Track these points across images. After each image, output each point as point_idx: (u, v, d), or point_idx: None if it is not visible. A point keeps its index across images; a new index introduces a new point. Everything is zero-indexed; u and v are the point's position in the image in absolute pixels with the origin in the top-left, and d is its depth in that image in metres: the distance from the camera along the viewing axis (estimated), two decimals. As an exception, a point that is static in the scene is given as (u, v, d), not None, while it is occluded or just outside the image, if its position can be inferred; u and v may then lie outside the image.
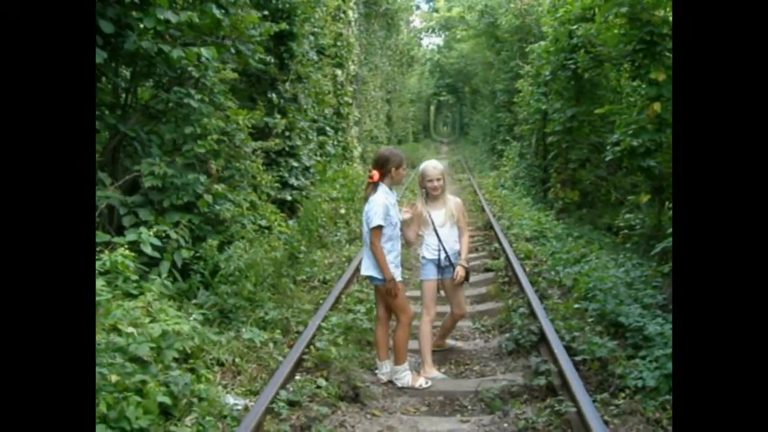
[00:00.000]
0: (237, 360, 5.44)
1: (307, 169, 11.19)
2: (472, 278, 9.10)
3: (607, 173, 13.27)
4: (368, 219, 5.10)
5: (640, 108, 8.91)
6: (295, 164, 10.50)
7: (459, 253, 5.68)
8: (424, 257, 5.65)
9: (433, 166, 5.55)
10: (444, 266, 5.63)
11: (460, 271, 5.57)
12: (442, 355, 6.18)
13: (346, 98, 16.35)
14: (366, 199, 5.18)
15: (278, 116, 9.86)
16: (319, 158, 12.65)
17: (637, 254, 8.76)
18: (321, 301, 7.26)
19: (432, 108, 73.86)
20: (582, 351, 5.39)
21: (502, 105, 26.68)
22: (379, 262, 5.11)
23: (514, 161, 20.06)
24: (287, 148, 10.31)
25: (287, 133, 10.30)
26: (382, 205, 5.03)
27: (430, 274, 5.63)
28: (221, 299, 6.20)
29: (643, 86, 8.80)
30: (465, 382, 5.50)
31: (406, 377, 5.37)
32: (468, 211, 16.06)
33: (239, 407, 4.73)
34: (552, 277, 8.24)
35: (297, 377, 5.28)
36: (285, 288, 7.30)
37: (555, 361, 5.24)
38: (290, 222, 9.45)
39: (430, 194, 5.58)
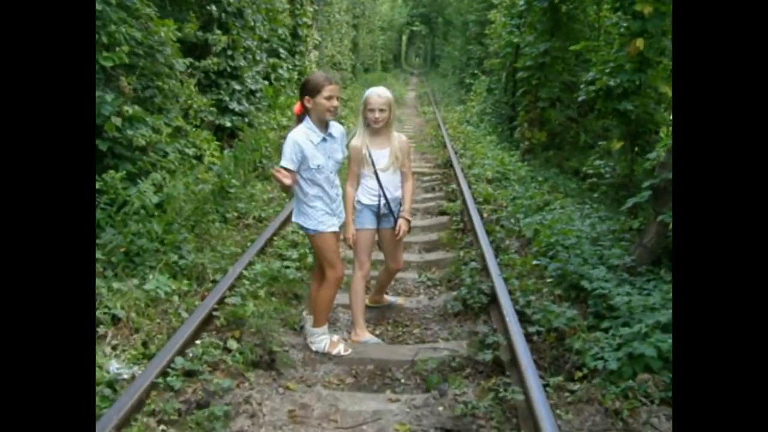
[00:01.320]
0: (134, 315, 4.60)
1: (252, 93, 10.14)
2: (424, 222, 8.35)
3: (578, 114, 12.47)
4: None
5: (621, 44, 8.05)
6: (238, 87, 9.44)
7: (400, 202, 4.86)
8: (360, 202, 4.81)
9: (377, 93, 4.65)
10: (383, 214, 4.81)
11: (402, 225, 4.76)
12: (379, 313, 5.43)
13: (304, 19, 15.12)
14: (287, 135, 4.31)
15: (219, 32, 8.76)
16: (268, 82, 11.56)
17: (605, 205, 8.04)
18: (249, 244, 6.42)
19: (404, 38, 72.19)
20: (537, 321, 4.66)
21: (474, 37, 25.57)
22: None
23: (482, 96, 19.13)
24: (229, 69, 9.25)
25: (229, 52, 9.21)
26: (291, 143, 4.17)
27: (366, 222, 4.81)
28: (126, 240, 5.31)
29: (626, 19, 7.91)
30: (401, 348, 4.75)
31: (322, 342, 4.61)
32: (429, 146, 15.32)
33: (124, 377, 3.93)
34: (511, 225, 7.49)
35: (203, 338, 4.47)
36: (209, 227, 6.42)
37: (505, 331, 4.51)
38: (227, 151, 8.48)
39: (372, 127, 4.71)
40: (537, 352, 4.39)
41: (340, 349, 4.61)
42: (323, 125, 4.31)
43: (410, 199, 4.84)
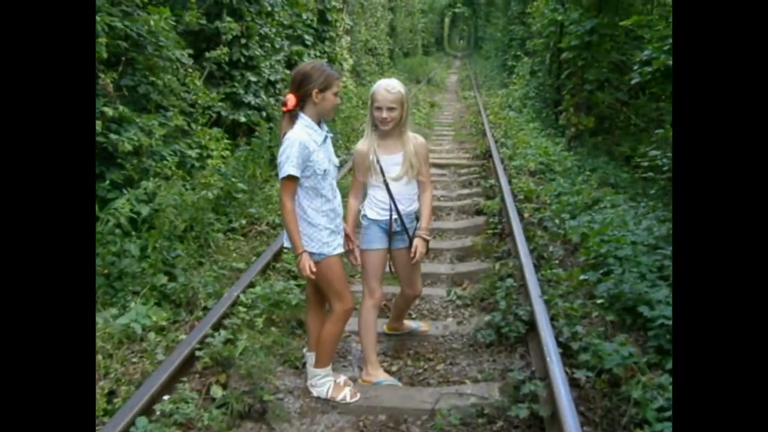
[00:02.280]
0: (100, 358, 3.90)
1: (271, 84, 9.37)
2: (458, 224, 7.50)
3: (629, 97, 11.40)
4: (279, 166, 3.46)
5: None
6: (253, 78, 8.68)
7: (417, 217, 4.04)
8: (366, 217, 4.01)
9: (386, 87, 3.82)
10: (395, 231, 4.00)
11: (419, 246, 3.93)
12: (399, 342, 4.63)
13: (333, 2, 14.28)
14: (281, 137, 3.51)
15: (229, 19, 8.00)
16: (288, 72, 10.78)
17: (662, 202, 7.06)
18: (255, 258, 5.67)
19: (447, 21, 70.91)
20: (585, 363, 3.79)
21: (516, 17, 24.41)
22: (287, 229, 3.52)
23: (525, 79, 18.04)
24: (243, 59, 8.49)
25: (243, 41, 8.46)
26: (297, 145, 3.38)
27: (375, 241, 4.00)
28: (104, 261, 4.61)
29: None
30: (420, 393, 3.92)
31: (324, 385, 3.83)
32: (468, 134, 14.35)
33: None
34: (555, 228, 6.60)
35: (180, 386, 3.73)
36: (210, 239, 5.69)
37: (545, 372, 3.67)
38: (241, 150, 7.73)
39: (380, 129, 3.90)
40: (585, 401, 3.56)
41: (346, 394, 3.83)
42: (318, 123, 3.56)
43: (429, 214, 4.01)
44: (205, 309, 4.66)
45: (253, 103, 8.62)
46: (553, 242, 6.33)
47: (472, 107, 18.69)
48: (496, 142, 11.76)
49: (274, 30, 9.44)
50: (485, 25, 46.63)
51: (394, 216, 3.94)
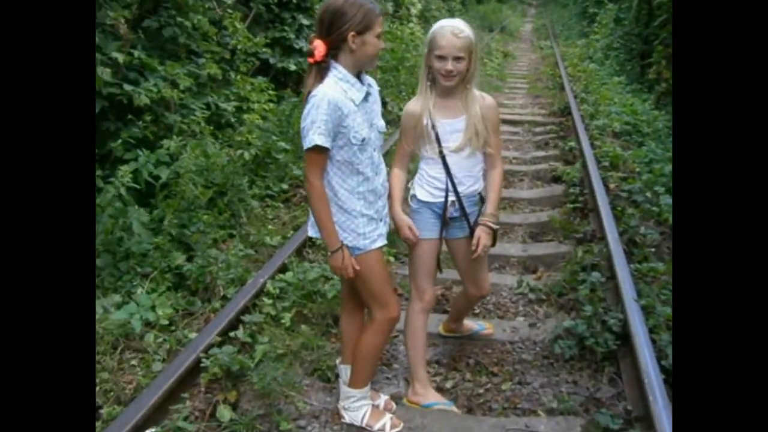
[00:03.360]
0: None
1: (327, 28, 8.44)
2: (532, 193, 6.52)
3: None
4: (302, 134, 2.60)
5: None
6: (306, 21, 7.75)
7: (481, 198, 3.15)
8: (416, 198, 3.13)
9: (452, 29, 2.88)
10: (453, 218, 3.10)
11: (482, 238, 3.03)
12: (457, 348, 3.78)
13: (402, -60, 13.12)
14: (305, 97, 2.64)
15: (279, -48, 7.08)
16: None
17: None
18: (292, 233, 4.87)
19: (522, -34, 67.89)
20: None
21: (600, -41, 22.60)
22: (317, 217, 2.68)
23: (608, 28, 16.53)
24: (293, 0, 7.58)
25: (295, -22, 7.54)
26: (326, 105, 2.51)
27: (426, 229, 3.11)
28: (107, 238, 3.87)
29: None
30: (479, 425, 3.06)
31: (360, 410, 3.02)
32: (544, 88, 13.10)
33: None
34: (647, 204, 5.58)
35: (180, 404, 2.98)
36: (241, 208, 4.90)
37: (646, 411, 2.78)
38: (286, 102, 6.87)
39: (440, 84, 2.98)
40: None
41: (386, 424, 3.01)
42: (356, 75, 2.68)
43: (497, 197, 3.10)
44: (225, 299, 3.89)
45: (305, 49, 7.72)
46: (646, 222, 5.33)
47: (549, 58, 17.33)
48: (575, 97, 10.59)
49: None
50: (564, -29, 44.21)
51: (451, 198, 3.05)
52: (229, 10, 6.00)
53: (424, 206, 3.10)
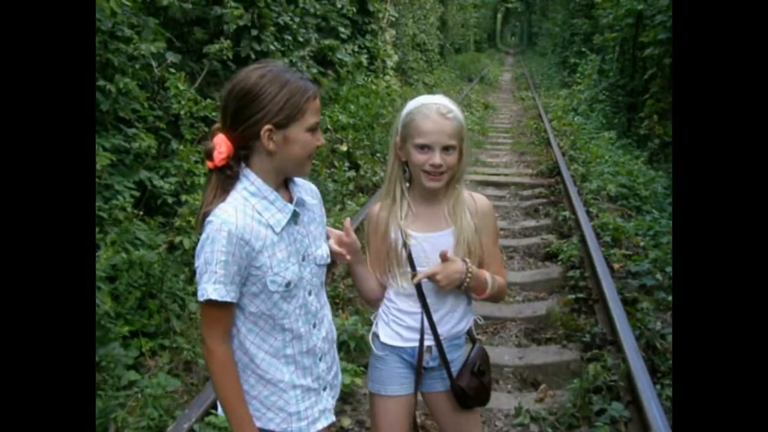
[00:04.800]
0: None
1: (292, 86, 7.63)
2: (525, 276, 5.66)
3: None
4: (197, 278, 1.73)
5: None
6: (267, 80, 6.95)
7: (472, 338, 2.28)
8: (378, 340, 2.24)
9: (437, 108, 2.04)
10: (430, 368, 2.21)
11: (443, 270, 2.05)
12: None
13: (376, -9, 12.50)
14: (200, 220, 1.75)
15: (234, 4, 6.25)
16: (320, 70, 9.01)
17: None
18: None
19: (499, 16, 68.77)
20: None
21: (579, 9, 22.29)
22: (220, 398, 1.82)
23: (591, 79, 15.97)
24: (253, 55, 6.75)
25: (254, 32, 6.72)
26: (226, 240, 1.66)
27: (392, 382, 2.20)
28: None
29: None
30: None
31: None
32: (529, 144, 12.34)
33: None
34: (660, 291, 4.78)
35: None
36: (172, 315, 3.97)
37: None
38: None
39: (419, 186, 2.12)
40: None
41: None
42: (281, 185, 1.82)
43: (496, 284, 2.19)
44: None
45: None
46: (660, 314, 4.50)
47: (531, 110, 16.74)
48: (563, 154, 9.87)
49: (297, 20, 7.69)
50: (540, 20, 44.46)
51: (428, 342, 2.16)
52: (172, 70, 5.15)
53: (390, 352, 2.20)
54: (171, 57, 5.33)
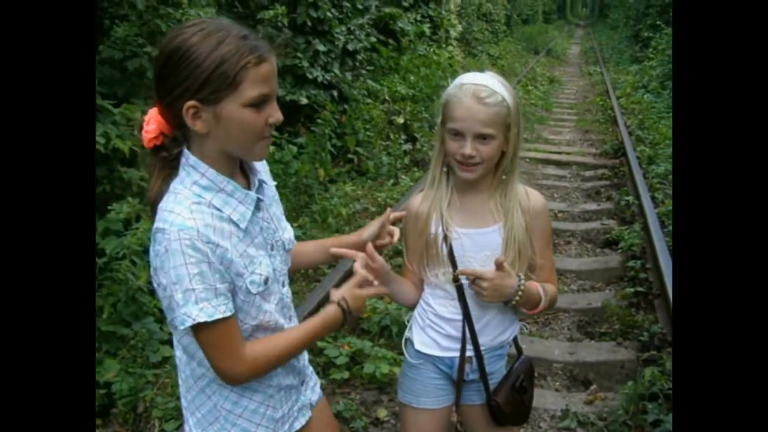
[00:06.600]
0: None
1: (349, 54, 7.41)
2: (581, 263, 5.39)
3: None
4: (163, 300, 1.46)
5: None
6: (322, 47, 6.74)
7: (518, 347, 2.08)
8: (413, 347, 2.03)
9: (474, 91, 1.79)
10: (471, 380, 2.01)
11: (486, 279, 1.83)
12: None
13: (442, -42, 12.13)
14: (152, 210, 1.50)
15: (290, -31, 6.08)
16: (377, 38, 8.76)
17: None
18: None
19: (571, -15, 66.87)
20: None
21: (656, -21, 21.32)
22: (293, 353, 1.61)
23: (665, 55, 15.25)
24: (309, 22, 6.56)
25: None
26: (192, 249, 1.37)
27: (430, 394, 2.02)
28: None
29: None
30: None
31: None
32: (594, 121, 11.89)
33: None
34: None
35: None
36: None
37: None
38: (285, 149, 5.85)
39: (457, 175, 1.90)
40: None
41: None
42: (236, 167, 1.54)
43: (548, 296, 1.95)
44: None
45: (320, 79, 6.71)
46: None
47: (598, 85, 16.13)
48: (630, 134, 9.42)
49: (358, -14, 7.47)
50: (614, -9, 42.93)
51: (469, 353, 1.96)
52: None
53: (426, 361, 2.01)
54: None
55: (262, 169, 1.64)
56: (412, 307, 2.07)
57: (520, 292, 1.85)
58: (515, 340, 2.05)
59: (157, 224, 1.40)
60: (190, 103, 1.37)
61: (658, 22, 17.75)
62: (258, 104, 1.40)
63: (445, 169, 1.94)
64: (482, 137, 1.80)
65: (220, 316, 1.40)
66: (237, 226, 1.47)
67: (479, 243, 1.90)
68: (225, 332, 1.44)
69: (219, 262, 1.41)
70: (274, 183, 1.71)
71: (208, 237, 1.39)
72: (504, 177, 1.92)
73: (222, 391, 1.57)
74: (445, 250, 1.92)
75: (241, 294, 1.48)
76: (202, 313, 1.38)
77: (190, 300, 1.37)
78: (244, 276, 1.47)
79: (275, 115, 1.44)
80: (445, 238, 1.91)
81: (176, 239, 1.36)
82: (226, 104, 1.38)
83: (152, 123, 1.45)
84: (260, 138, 1.45)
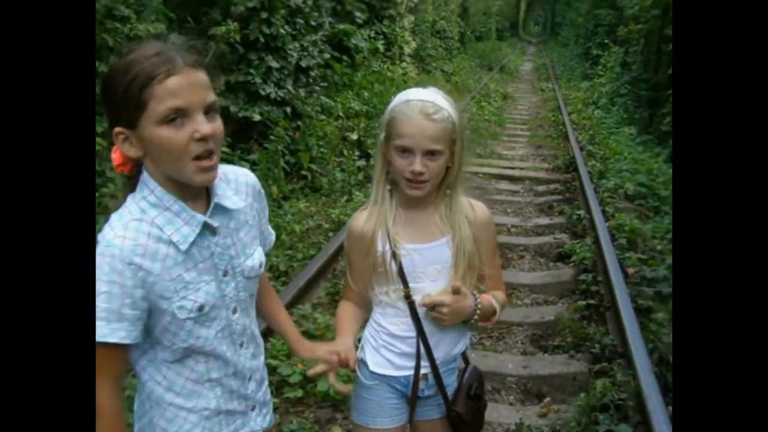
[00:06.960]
0: None
1: (303, 71, 7.40)
2: (534, 277, 5.44)
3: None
4: None
5: None
6: (275, 64, 6.71)
7: (465, 359, 2.07)
8: (367, 368, 1.99)
9: (421, 108, 1.78)
10: (427, 396, 2.00)
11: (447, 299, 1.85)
12: None
13: (395, -24, 12.23)
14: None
15: (241, -14, 6.06)
16: (330, 55, 8.77)
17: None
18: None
19: (522, 4, 67.97)
20: None
21: (604, -1, 21.87)
22: None
23: (613, 72, 15.62)
24: (262, 38, 6.54)
25: (263, 15, 6.50)
26: (109, 267, 1.34)
27: (385, 414, 1.99)
28: None
29: None
30: None
31: None
32: (546, 137, 12.05)
33: None
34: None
35: None
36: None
37: None
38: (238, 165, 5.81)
39: (403, 191, 1.89)
40: None
41: None
42: (189, 189, 1.46)
43: (499, 302, 1.98)
44: None
45: (273, 95, 6.68)
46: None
47: (550, 101, 16.43)
48: (581, 149, 9.60)
49: (310, 3, 7.46)
50: (564, 10, 43.85)
51: (424, 370, 1.95)
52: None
53: (380, 381, 1.98)
54: (174, 39, 5.12)
55: (243, 190, 1.60)
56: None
57: (477, 311, 1.86)
58: (464, 353, 2.05)
59: (102, 239, 1.38)
60: (117, 129, 1.37)
61: (606, 41, 18.18)
62: (172, 119, 1.34)
63: (389, 187, 1.93)
64: (431, 153, 1.79)
65: (111, 341, 1.36)
66: (177, 248, 1.42)
67: (428, 258, 1.90)
68: (109, 360, 1.38)
69: (138, 285, 1.37)
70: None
71: (130, 258, 1.35)
72: (448, 191, 1.92)
73: (158, 408, 1.53)
74: (394, 268, 1.90)
75: (166, 316, 1.43)
76: (106, 332, 1.35)
77: (97, 315, 1.34)
78: (172, 300, 1.42)
79: (200, 128, 1.35)
80: (394, 255, 1.90)
81: (100, 253, 1.35)
82: (143, 126, 1.35)
83: (117, 151, 1.44)
84: (188, 156, 1.37)
